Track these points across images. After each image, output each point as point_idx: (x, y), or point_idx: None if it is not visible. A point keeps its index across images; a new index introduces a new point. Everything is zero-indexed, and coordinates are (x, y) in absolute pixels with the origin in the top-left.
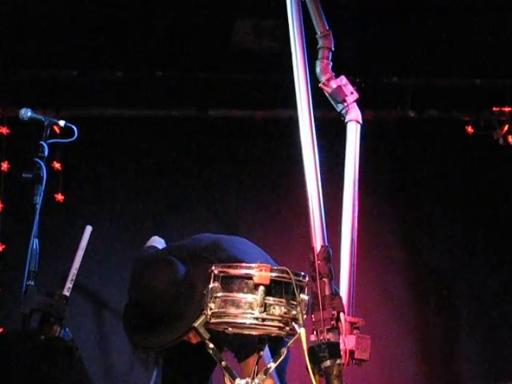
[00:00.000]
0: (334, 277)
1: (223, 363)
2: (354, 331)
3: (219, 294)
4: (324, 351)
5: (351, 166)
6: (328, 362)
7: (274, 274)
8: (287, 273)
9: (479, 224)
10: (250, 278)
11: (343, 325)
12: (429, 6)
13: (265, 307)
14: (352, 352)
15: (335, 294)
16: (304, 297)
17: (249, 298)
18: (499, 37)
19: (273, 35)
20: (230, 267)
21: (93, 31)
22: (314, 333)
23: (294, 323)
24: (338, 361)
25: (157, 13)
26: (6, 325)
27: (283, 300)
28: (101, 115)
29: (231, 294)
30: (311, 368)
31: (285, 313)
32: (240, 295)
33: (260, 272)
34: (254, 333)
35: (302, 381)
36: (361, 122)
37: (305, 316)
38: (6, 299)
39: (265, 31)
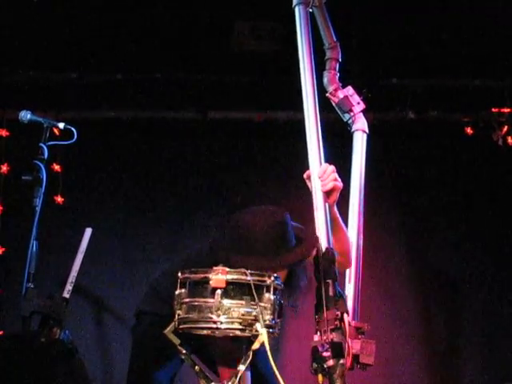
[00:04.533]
0: (337, 278)
1: (196, 368)
2: (359, 336)
3: (186, 300)
4: (327, 351)
5: (357, 175)
6: (331, 362)
7: (229, 277)
8: (246, 274)
9: (480, 225)
10: (208, 282)
11: (346, 326)
12: (428, 7)
13: (223, 310)
14: (357, 356)
15: (339, 295)
16: (270, 296)
17: (209, 302)
18: (498, 38)
19: (272, 37)
20: (191, 272)
21: (92, 33)
22: (318, 333)
23: (257, 324)
24: (342, 360)
25: (156, 15)
26: (6, 327)
27: (243, 302)
28: (100, 117)
29: (194, 299)
30: (314, 367)
31: (244, 314)
32: (201, 300)
33: (216, 276)
34: (217, 335)
35: (303, 380)
36: (367, 131)
37: (277, 316)
38: (6, 301)
39: (264, 33)
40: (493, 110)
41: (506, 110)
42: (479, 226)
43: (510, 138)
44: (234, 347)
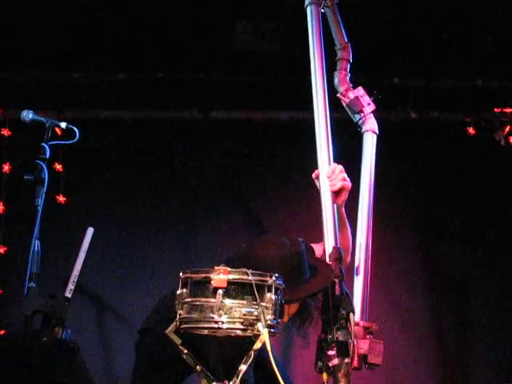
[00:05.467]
0: (344, 278)
1: (198, 368)
2: (368, 336)
3: (187, 300)
4: (332, 349)
5: (367, 176)
6: (336, 361)
7: (231, 277)
8: (247, 274)
9: (480, 225)
10: (209, 281)
11: (352, 325)
12: (430, 7)
13: (225, 310)
14: (365, 356)
15: (345, 294)
16: (271, 296)
17: (210, 301)
18: (500, 37)
19: (273, 37)
20: (192, 272)
21: (94, 33)
22: (324, 332)
23: (259, 324)
24: (347, 359)
25: (158, 15)
26: (7, 327)
27: (244, 302)
28: (102, 117)
29: (196, 299)
30: (319, 366)
31: (245, 314)
32: (203, 299)
33: (217, 276)
34: (219, 334)
35: (304, 378)
36: (377, 132)
37: (278, 316)
38: (7, 301)
39: (265, 33)
40: (495, 109)
41: (508, 110)
42: (481, 226)
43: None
44: (232, 349)
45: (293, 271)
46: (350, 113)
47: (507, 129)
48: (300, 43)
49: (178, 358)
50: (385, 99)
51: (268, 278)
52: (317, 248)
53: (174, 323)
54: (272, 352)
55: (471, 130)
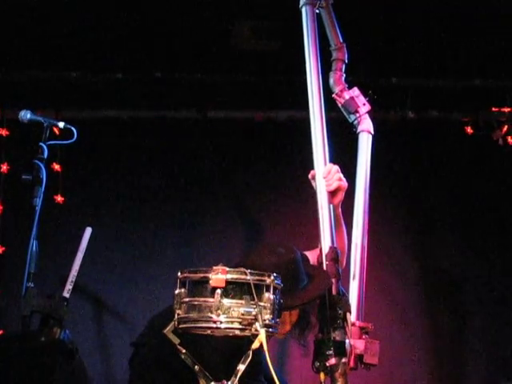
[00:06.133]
0: (340, 277)
1: (196, 367)
2: (364, 336)
3: (186, 299)
4: (330, 349)
5: (363, 176)
6: (333, 360)
7: (229, 276)
8: (245, 274)
9: (479, 224)
10: (207, 281)
11: (349, 325)
12: (428, 7)
13: (223, 310)
14: (361, 356)
15: (342, 294)
16: (270, 295)
17: (208, 301)
18: (499, 37)
19: (271, 36)
20: (190, 272)
21: (92, 32)
22: (321, 332)
23: (257, 323)
24: (344, 359)
25: (156, 14)
26: (5, 327)
27: (242, 301)
28: (100, 116)
29: (194, 299)
30: (316, 366)
31: (243, 314)
32: (201, 299)
33: (216, 275)
34: (217, 334)
35: (302, 378)
36: (372, 132)
37: (277, 316)
38: (5, 301)
39: (263, 32)
40: (493, 109)
41: (506, 110)
42: (480, 226)
43: (510, 137)
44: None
45: (290, 278)
46: (345, 113)
47: (505, 128)
48: (299, 43)
49: (169, 374)
50: (383, 99)
51: (266, 278)
52: (310, 255)
53: (173, 323)
54: (271, 352)
55: (469, 130)
